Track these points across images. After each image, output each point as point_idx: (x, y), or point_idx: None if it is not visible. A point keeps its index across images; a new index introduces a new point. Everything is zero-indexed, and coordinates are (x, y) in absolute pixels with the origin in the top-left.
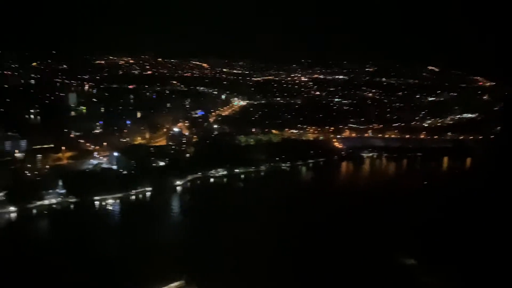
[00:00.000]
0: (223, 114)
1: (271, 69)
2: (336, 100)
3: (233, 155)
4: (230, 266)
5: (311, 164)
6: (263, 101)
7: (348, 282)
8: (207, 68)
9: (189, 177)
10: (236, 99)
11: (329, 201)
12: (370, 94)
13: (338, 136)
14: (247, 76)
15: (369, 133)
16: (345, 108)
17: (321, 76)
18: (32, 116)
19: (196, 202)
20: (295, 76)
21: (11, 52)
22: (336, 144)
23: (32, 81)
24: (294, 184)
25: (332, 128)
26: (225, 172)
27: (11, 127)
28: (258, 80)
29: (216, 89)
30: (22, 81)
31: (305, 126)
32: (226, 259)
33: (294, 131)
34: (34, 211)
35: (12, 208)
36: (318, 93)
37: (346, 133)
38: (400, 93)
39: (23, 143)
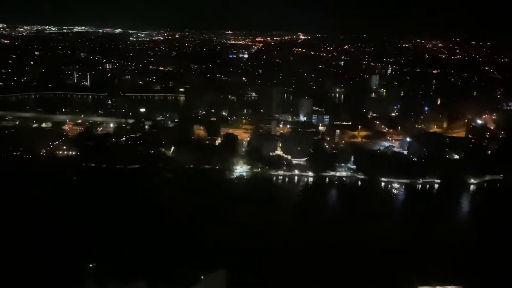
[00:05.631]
0: None
1: None
2: None
3: None
4: None
5: None
6: None
7: None
8: None
9: (487, 177)
10: None
11: None
12: None
13: None
14: None
15: None
16: None
17: None
18: (336, 95)
19: (488, 206)
20: None
21: (331, 36)
22: None
23: (341, 63)
24: None
25: None
26: None
27: (318, 103)
28: None
29: None
30: (334, 62)
31: None
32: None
33: None
34: (327, 179)
35: (310, 173)
36: None
37: None
38: None
39: (326, 118)
